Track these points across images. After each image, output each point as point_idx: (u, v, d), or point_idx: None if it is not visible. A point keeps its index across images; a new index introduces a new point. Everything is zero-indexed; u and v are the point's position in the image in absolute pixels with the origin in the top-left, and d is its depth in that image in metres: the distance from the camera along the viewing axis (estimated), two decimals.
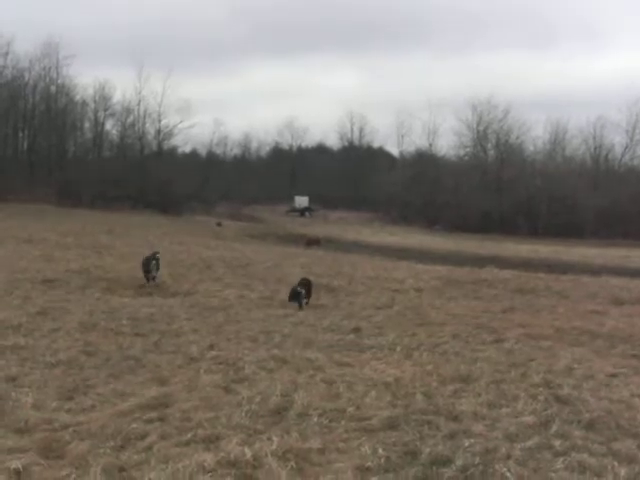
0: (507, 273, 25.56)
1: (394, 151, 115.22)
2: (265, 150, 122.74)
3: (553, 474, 6.32)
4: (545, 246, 58.34)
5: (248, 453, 6.43)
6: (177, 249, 30.69)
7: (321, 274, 21.72)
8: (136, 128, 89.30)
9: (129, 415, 7.64)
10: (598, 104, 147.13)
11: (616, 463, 6.57)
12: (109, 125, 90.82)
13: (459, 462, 6.43)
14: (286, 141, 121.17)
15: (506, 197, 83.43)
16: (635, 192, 78.27)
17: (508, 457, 6.67)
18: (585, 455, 6.77)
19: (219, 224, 65.13)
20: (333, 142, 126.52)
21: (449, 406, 8.24)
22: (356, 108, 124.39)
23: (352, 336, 12.62)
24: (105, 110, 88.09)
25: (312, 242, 49.68)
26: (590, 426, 7.53)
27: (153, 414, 7.67)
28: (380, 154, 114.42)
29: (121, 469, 6.23)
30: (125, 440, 6.93)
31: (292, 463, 6.30)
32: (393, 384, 9.21)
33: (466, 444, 6.91)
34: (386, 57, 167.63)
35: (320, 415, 7.71)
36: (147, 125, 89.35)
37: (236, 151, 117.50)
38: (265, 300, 16.85)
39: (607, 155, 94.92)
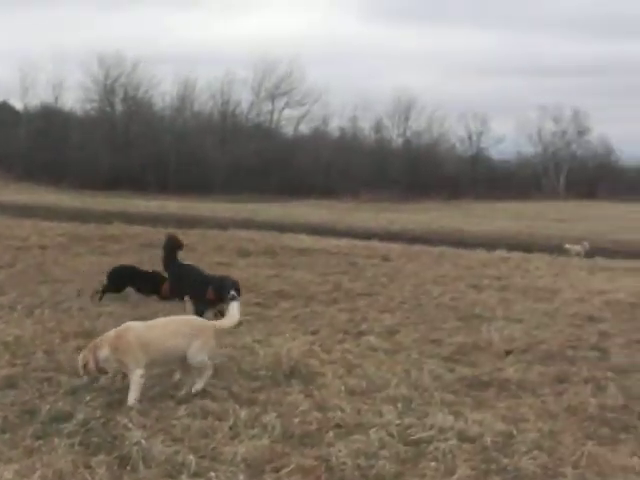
0: (136, 228, 25.53)
1: (18, 105, 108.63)
2: None
3: (175, 421, 6.40)
4: (175, 202, 59.11)
5: None
6: None
7: None
8: None
9: None
10: (226, 61, 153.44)
11: (237, 406, 6.81)
12: None
13: (80, 416, 6.32)
14: None
15: (135, 153, 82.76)
16: (260, 148, 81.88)
17: (131, 409, 6.66)
18: (207, 401, 6.98)
19: None
20: None
21: (71, 362, 8.01)
22: None
23: None
24: None
25: None
26: (215, 374, 7.62)
27: None
28: (3, 108, 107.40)
29: None
30: None
31: None
32: (12, 343, 8.80)
33: (87, 398, 6.83)
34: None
35: None
36: None
37: None
38: None
39: (234, 111, 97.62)
